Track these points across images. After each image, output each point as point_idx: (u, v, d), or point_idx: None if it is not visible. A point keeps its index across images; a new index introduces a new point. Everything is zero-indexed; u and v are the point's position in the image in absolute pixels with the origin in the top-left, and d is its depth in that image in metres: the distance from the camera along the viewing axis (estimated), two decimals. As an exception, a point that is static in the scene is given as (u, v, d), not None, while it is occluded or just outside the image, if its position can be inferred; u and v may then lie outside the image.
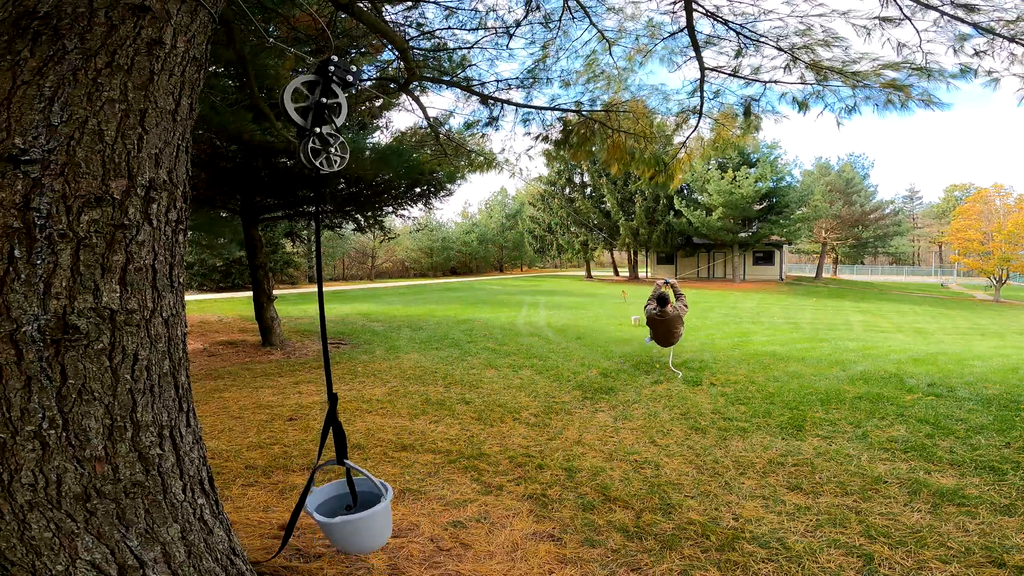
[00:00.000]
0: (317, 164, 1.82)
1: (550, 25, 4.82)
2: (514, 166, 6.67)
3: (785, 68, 4.36)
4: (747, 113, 4.78)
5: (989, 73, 3.75)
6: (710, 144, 5.16)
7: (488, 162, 6.76)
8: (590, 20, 4.72)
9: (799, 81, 4.42)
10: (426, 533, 2.55)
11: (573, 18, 4.84)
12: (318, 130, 1.81)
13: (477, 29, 5.27)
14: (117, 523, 1.40)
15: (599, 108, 5.33)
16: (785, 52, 4.29)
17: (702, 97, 4.84)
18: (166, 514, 1.51)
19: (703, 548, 2.45)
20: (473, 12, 5.14)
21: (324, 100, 1.81)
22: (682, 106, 5.09)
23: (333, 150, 1.86)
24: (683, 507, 2.86)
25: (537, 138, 5.82)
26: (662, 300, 6.16)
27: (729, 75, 4.65)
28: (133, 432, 1.45)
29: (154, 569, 1.45)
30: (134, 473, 1.45)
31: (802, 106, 4.48)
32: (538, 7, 4.75)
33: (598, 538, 2.55)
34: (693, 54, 4.48)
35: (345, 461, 1.91)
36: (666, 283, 6.66)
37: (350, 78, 1.84)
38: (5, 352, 1.26)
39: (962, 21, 3.51)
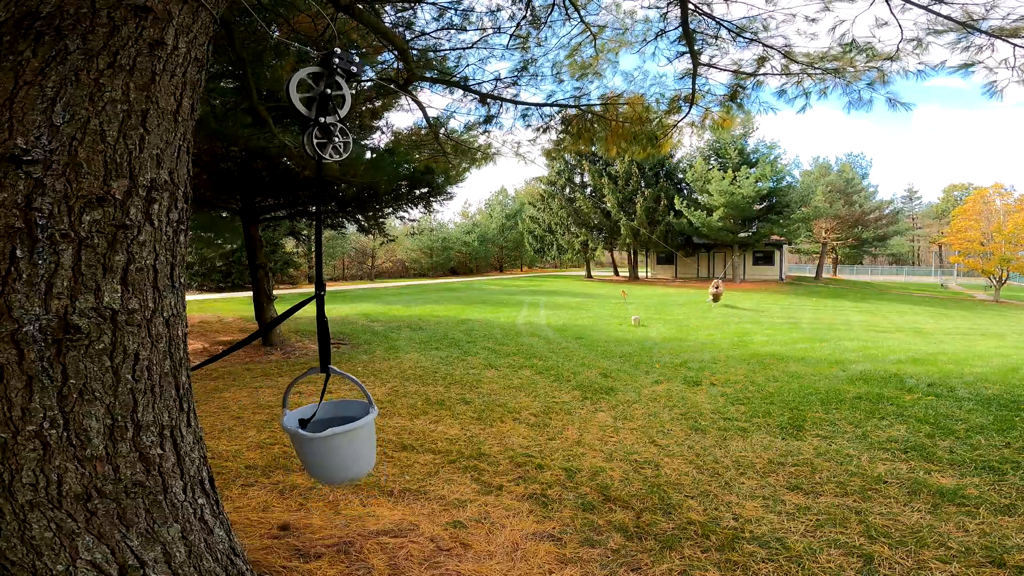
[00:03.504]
0: (321, 153, 1.84)
1: (570, 14, 4.96)
2: (514, 151, 6.64)
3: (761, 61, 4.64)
4: (733, 97, 5.04)
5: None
6: (700, 125, 5.43)
7: (487, 156, 6.76)
8: (581, 19, 4.86)
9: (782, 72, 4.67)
10: (426, 533, 2.55)
11: (569, 17, 4.93)
12: (322, 120, 1.83)
13: (477, 29, 5.29)
14: (118, 523, 1.41)
15: (596, 101, 5.44)
16: (779, 52, 4.45)
17: (694, 87, 5.00)
18: (167, 514, 1.51)
19: (703, 548, 2.45)
20: (473, 12, 5.19)
21: (328, 91, 1.83)
22: (674, 92, 5.28)
23: (336, 139, 1.87)
24: (683, 507, 2.86)
25: (538, 130, 5.96)
26: (716, 286, 16.22)
27: (720, 69, 4.89)
28: (134, 432, 1.45)
29: (154, 569, 1.45)
30: (135, 473, 1.45)
31: (781, 93, 4.86)
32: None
33: (598, 538, 2.55)
34: (686, 49, 4.60)
35: (329, 367, 1.78)
36: (718, 280, 16.58)
37: (354, 69, 1.85)
38: (7, 352, 1.26)
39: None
